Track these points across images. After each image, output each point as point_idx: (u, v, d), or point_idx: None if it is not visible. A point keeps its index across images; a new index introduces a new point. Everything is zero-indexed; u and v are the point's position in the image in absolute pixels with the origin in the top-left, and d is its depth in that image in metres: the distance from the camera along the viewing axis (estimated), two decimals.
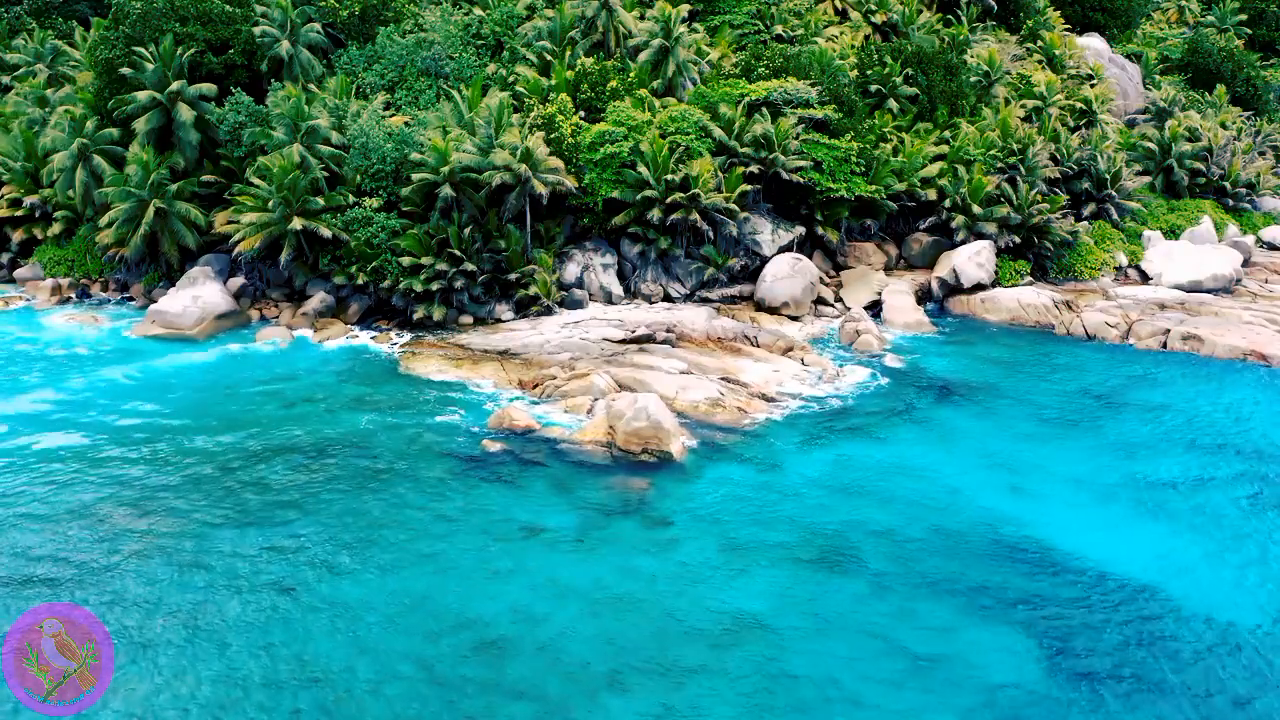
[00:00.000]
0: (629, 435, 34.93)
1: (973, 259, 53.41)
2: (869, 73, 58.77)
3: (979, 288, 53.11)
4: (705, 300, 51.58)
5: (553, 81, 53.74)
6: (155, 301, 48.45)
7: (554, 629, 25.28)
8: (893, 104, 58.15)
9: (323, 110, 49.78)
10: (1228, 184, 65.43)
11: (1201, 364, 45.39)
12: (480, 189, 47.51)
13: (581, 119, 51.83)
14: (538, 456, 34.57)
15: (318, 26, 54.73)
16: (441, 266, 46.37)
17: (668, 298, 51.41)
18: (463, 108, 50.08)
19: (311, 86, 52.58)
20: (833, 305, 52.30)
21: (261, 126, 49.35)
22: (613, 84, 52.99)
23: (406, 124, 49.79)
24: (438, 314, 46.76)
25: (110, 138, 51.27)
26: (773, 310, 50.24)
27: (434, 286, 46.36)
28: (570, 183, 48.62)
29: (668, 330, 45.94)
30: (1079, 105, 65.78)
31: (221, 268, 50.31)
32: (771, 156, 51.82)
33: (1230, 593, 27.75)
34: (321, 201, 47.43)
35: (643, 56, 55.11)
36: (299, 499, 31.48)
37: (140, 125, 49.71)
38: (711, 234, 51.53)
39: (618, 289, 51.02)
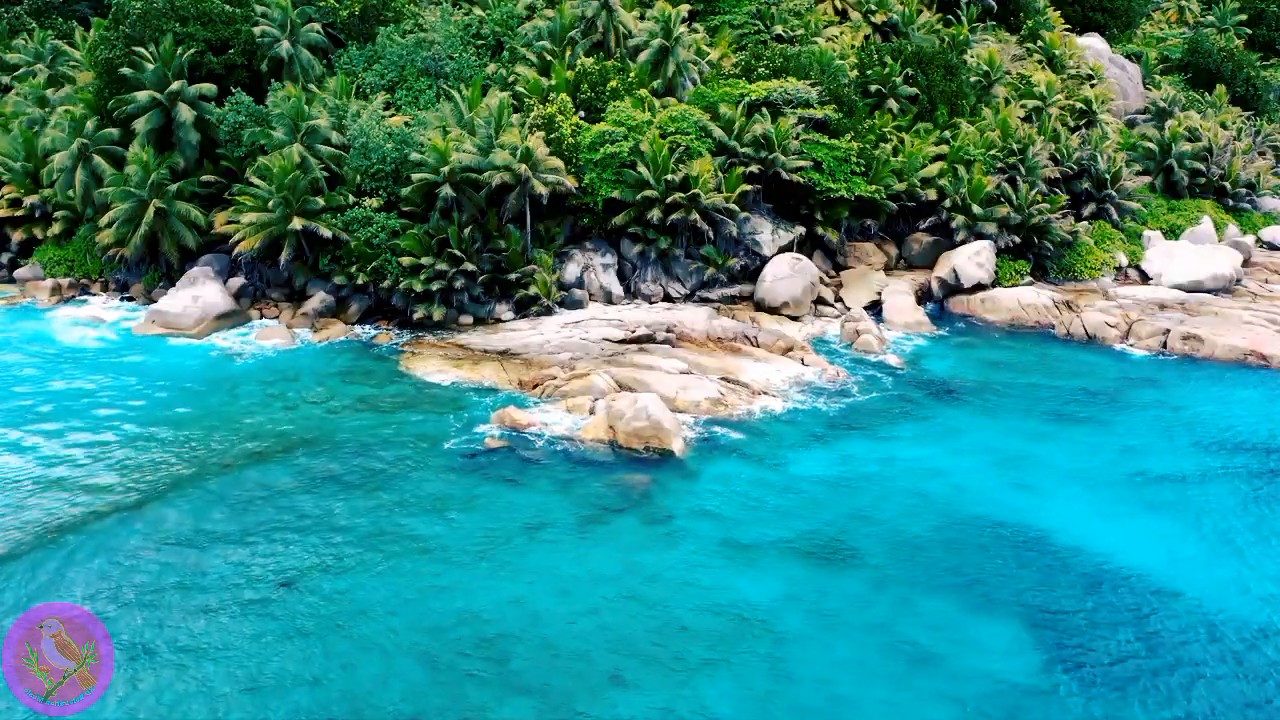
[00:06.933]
0: (629, 435, 34.96)
1: (973, 259, 53.39)
2: (869, 73, 58.76)
3: (979, 288, 53.08)
4: (705, 300, 51.56)
5: (553, 81, 53.72)
6: (155, 301, 48.49)
7: (556, 625, 25.28)
8: (893, 104, 58.13)
9: (323, 110, 49.77)
10: (1228, 184, 65.40)
11: (1201, 364, 45.39)
12: (480, 189, 47.49)
13: (581, 119, 51.81)
14: (538, 455, 34.58)
15: (318, 26, 54.70)
16: (441, 266, 46.35)
17: (668, 298, 51.39)
18: (463, 108, 50.06)
19: (311, 86, 52.56)
20: (833, 305, 52.27)
21: (261, 126, 49.33)
22: (613, 84, 52.98)
23: (406, 124, 49.76)
24: (438, 314, 46.74)
25: (110, 138, 51.24)
26: (773, 310, 50.21)
27: (434, 286, 46.33)
28: (570, 183, 48.61)
29: (668, 330, 45.92)
30: (1079, 105, 65.76)
31: (221, 268, 50.29)
32: (771, 156, 51.81)
33: (1232, 589, 27.76)
34: (321, 201, 47.41)
35: (643, 56, 55.09)
36: (300, 498, 31.46)
37: (140, 125, 49.67)
38: (711, 234, 51.51)
39: (618, 289, 51.00)
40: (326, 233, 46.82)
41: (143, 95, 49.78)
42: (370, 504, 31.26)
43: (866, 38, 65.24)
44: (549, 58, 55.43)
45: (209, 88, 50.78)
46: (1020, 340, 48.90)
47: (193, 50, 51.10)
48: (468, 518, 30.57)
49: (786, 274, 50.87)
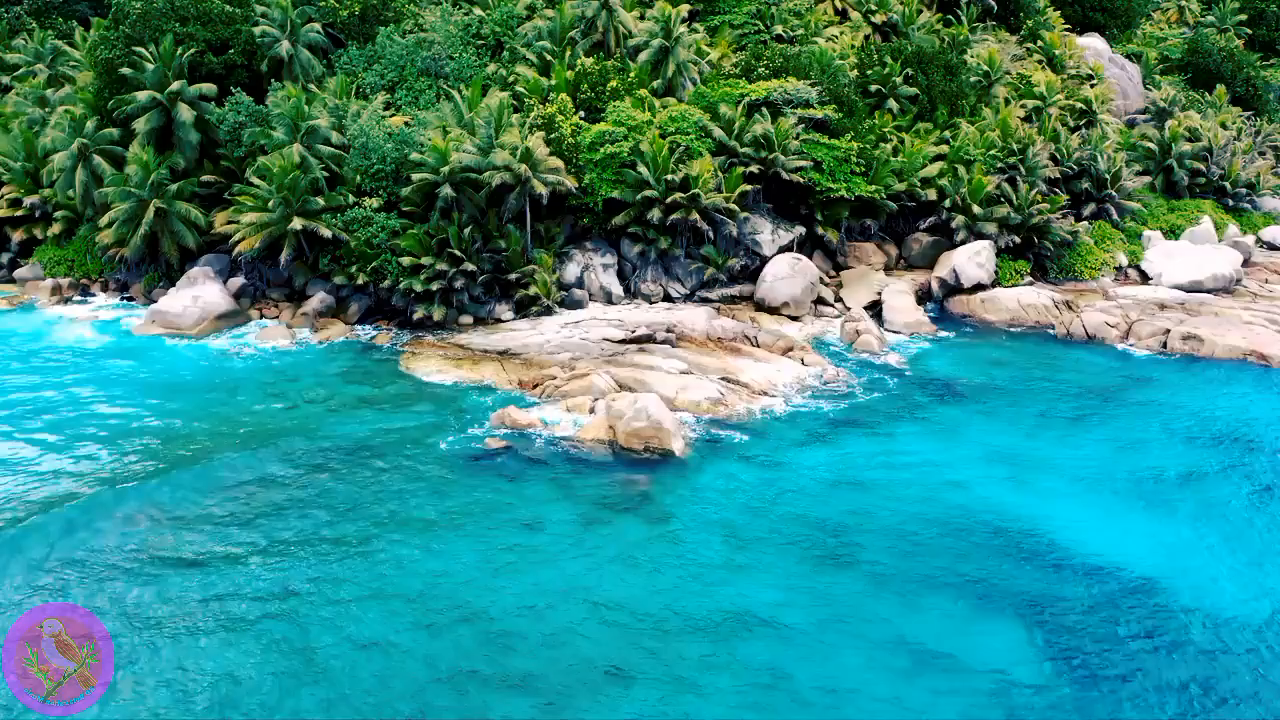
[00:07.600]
0: (629, 435, 34.95)
1: (973, 259, 53.37)
2: (869, 73, 58.76)
3: (979, 288, 53.07)
4: (705, 300, 51.54)
5: (553, 81, 53.73)
6: (155, 301, 48.48)
7: (556, 624, 25.29)
8: (893, 104, 58.11)
9: (323, 110, 49.78)
10: (1228, 184, 65.39)
11: (1201, 364, 45.37)
12: (480, 189, 47.49)
13: (581, 119, 51.81)
14: (539, 455, 34.58)
15: (318, 26, 54.71)
16: (441, 266, 46.35)
17: (668, 298, 51.38)
18: (463, 108, 50.07)
19: (311, 86, 52.57)
20: (833, 305, 52.25)
21: (261, 126, 49.34)
22: (613, 84, 52.98)
23: (406, 124, 49.77)
24: (438, 314, 46.73)
25: (110, 138, 51.25)
26: (773, 310, 50.20)
27: (434, 286, 46.32)
28: (570, 183, 48.61)
29: (668, 330, 45.91)
30: (1079, 105, 65.73)
31: (221, 268, 50.29)
32: (771, 156, 51.81)
33: (1232, 587, 27.76)
34: (321, 201, 47.41)
35: (643, 56, 55.09)
36: (301, 498, 31.48)
37: (140, 125, 49.68)
38: (711, 234, 51.50)
39: (618, 289, 51.00)
40: (326, 233, 46.82)
41: (143, 95, 49.79)
42: (370, 504, 31.24)
43: (866, 38, 65.24)
44: (549, 58, 55.43)
45: (209, 88, 50.80)
46: (1020, 340, 48.89)
47: (193, 50, 51.11)
48: (467, 517, 30.57)
49: (786, 274, 50.87)
